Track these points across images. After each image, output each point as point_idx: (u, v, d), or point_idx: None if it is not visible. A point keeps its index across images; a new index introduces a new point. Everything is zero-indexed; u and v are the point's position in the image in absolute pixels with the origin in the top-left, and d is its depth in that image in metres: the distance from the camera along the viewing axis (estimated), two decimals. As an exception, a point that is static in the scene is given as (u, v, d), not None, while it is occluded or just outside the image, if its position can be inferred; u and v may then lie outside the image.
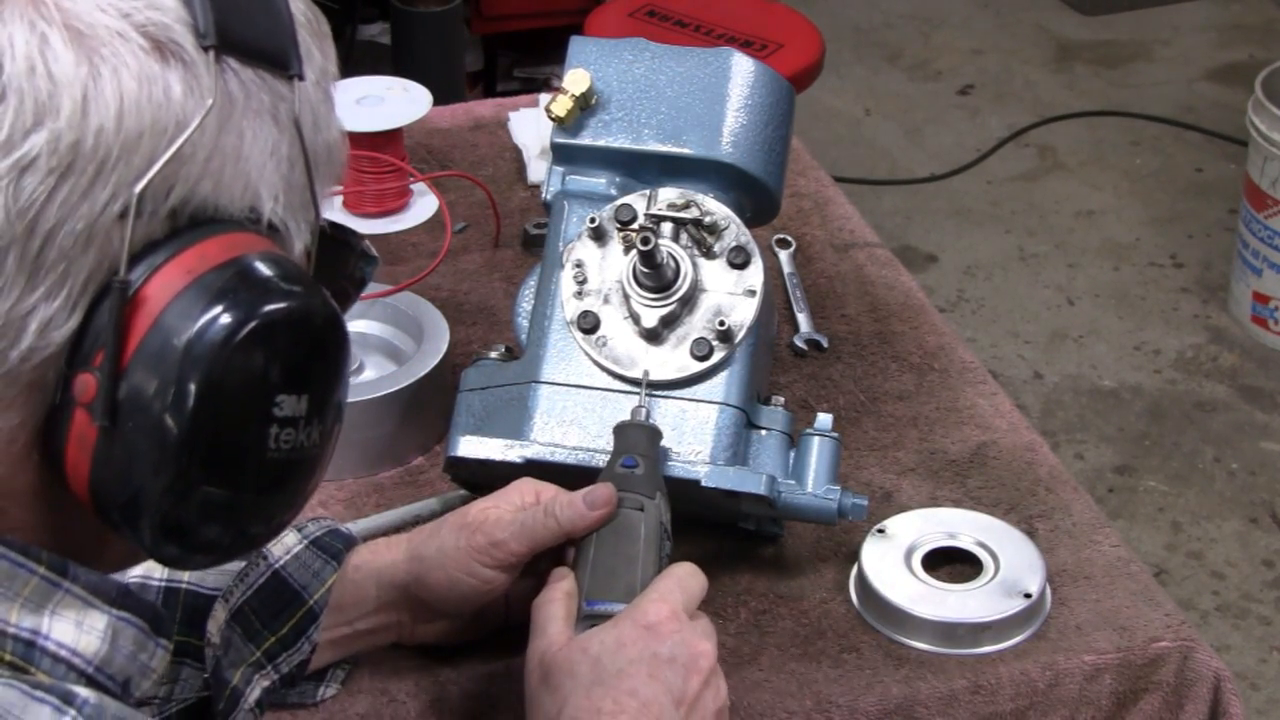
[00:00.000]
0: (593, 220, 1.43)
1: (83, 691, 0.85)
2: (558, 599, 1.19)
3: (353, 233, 1.04)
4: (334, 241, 1.00)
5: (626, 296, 1.41)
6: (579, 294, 1.43)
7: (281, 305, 0.87)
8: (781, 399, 1.44)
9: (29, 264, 0.84)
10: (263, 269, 0.88)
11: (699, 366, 1.40)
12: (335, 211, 1.87)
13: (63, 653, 0.89)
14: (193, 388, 0.85)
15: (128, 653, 0.92)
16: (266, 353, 0.87)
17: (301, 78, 0.91)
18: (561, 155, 1.51)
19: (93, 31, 0.84)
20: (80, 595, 0.90)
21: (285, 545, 1.31)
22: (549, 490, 1.30)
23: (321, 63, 0.94)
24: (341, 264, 1.03)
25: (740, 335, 1.41)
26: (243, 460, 0.88)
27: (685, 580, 1.20)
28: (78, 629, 0.89)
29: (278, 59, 0.90)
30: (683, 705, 1.13)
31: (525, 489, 1.31)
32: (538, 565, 1.31)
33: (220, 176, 0.87)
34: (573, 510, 1.24)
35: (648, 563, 1.22)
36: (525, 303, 1.51)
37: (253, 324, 0.86)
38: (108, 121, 0.84)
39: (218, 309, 0.85)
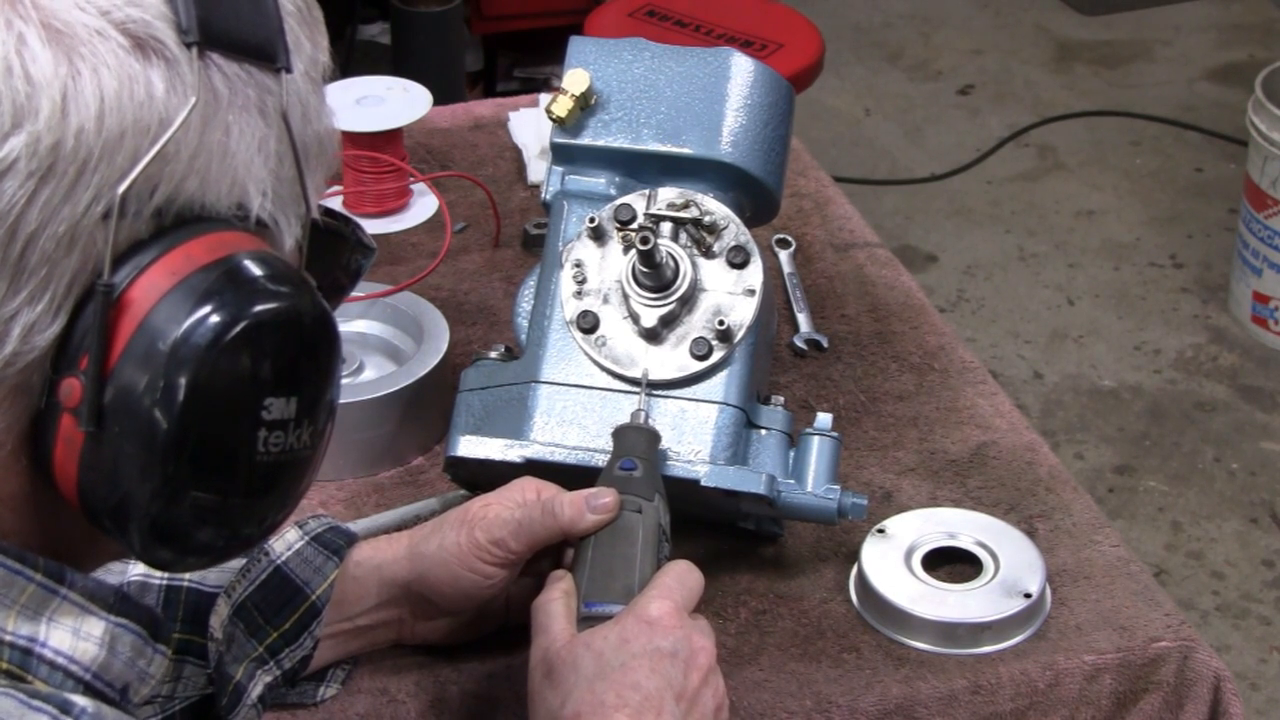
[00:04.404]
0: (592, 220, 1.43)
1: (80, 700, 0.85)
2: (557, 598, 1.20)
3: (347, 221, 1.03)
4: (326, 233, 0.98)
5: (626, 296, 1.41)
6: (578, 294, 1.43)
7: (269, 306, 0.86)
8: (781, 399, 1.44)
9: (11, 268, 0.83)
10: (250, 269, 0.86)
11: (698, 366, 1.40)
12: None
13: (60, 660, 0.88)
14: (179, 392, 0.84)
15: (126, 659, 0.91)
16: (254, 355, 0.86)
17: (289, 70, 0.89)
18: (561, 155, 1.51)
19: (71, 30, 0.83)
20: (77, 602, 0.89)
21: (287, 541, 1.31)
22: (549, 489, 1.30)
23: (311, 52, 0.93)
24: (335, 256, 1.01)
25: (740, 335, 1.41)
26: (231, 464, 0.87)
27: (685, 577, 1.20)
28: (75, 636, 0.89)
29: (264, 52, 0.88)
30: (683, 700, 1.13)
31: (527, 486, 1.31)
32: (538, 564, 1.32)
33: (206, 174, 0.86)
34: (574, 510, 1.25)
35: (645, 564, 1.22)
36: (525, 303, 1.51)
37: (239, 326, 0.85)
38: (88, 122, 0.82)
39: (204, 311, 0.84)
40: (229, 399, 0.86)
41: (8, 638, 0.86)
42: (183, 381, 0.84)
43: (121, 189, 0.83)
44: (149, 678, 0.93)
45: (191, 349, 0.84)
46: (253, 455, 0.87)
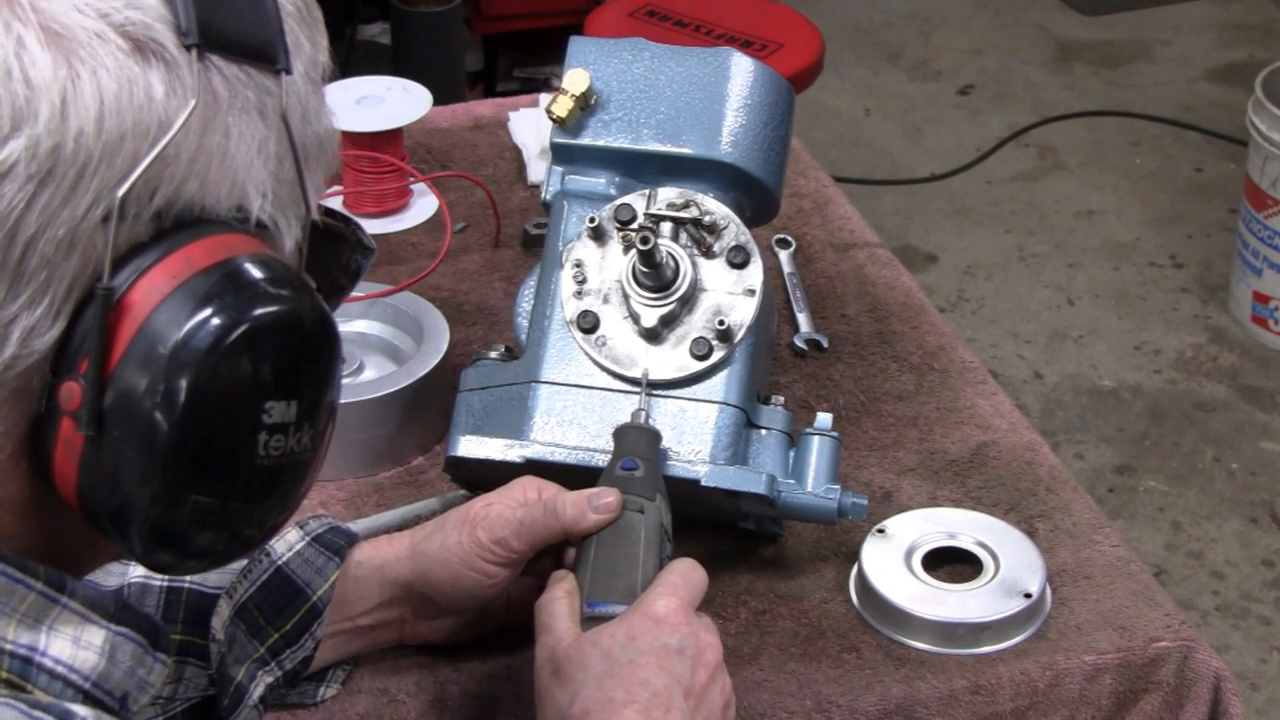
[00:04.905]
0: (592, 220, 1.43)
1: (81, 710, 0.85)
2: (560, 597, 1.19)
3: (347, 221, 1.02)
4: (326, 234, 0.98)
5: (626, 296, 1.41)
6: (579, 294, 1.43)
7: (269, 310, 0.86)
8: (781, 399, 1.44)
9: (10, 272, 0.82)
10: (250, 272, 0.86)
11: (698, 366, 1.40)
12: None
13: (60, 669, 0.88)
14: (179, 395, 0.83)
15: (126, 668, 0.91)
16: (254, 359, 0.85)
17: (289, 71, 0.89)
18: (561, 155, 1.51)
19: (70, 33, 0.82)
20: (78, 610, 0.89)
21: (288, 542, 1.31)
22: (551, 488, 1.30)
23: (311, 53, 0.92)
24: (335, 256, 1.01)
25: (740, 335, 1.41)
26: (232, 468, 0.87)
27: (689, 574, 1.20)
28: (75, 645, 0.88)
29: (263, 53, 0.88)
30: (691, 696, 1.14)
31: (528, 486, 1.31)
32: (540, 564, 1.32)
33: (206, 176, 0.86)
34: (576, 510, 1.25)
35: (648, 564, 1.22)
36: (525, 303, 1.51)
37: (240, 330, 0.84)
38: (88, 125, 0.82)
39: (204, 314, 0.84)
40: (229, 403, 0.85)
41: (8, 647, 0.86)
42: (183, 385, 0.83)
43: (121, 192, 0.83)
44: (148, 686, 0.93)
45: (192, 352, 0.84)
46: (253, 459, 0.87)
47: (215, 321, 0.84)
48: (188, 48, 0.85)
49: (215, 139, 0.86)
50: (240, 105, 0.87)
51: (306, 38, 0.92)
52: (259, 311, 0.85)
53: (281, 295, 0.87)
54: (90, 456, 0.85)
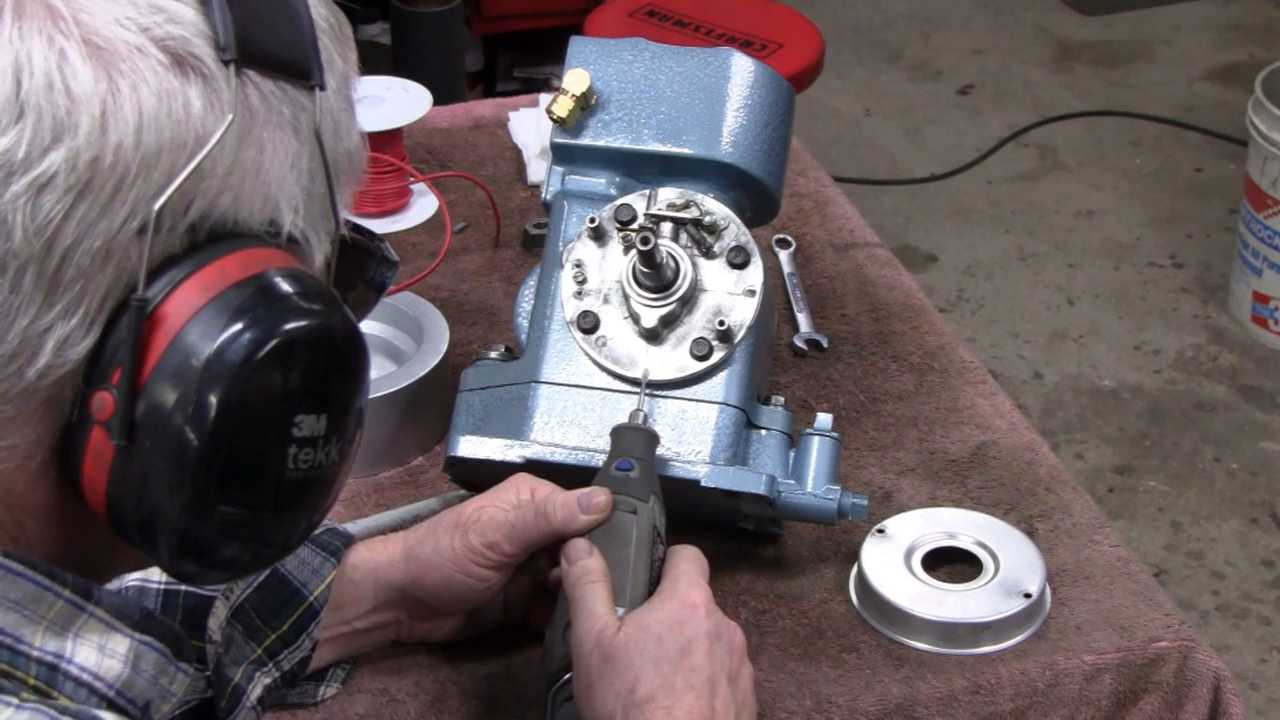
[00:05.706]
0: (592, 220, 1.43)
1: (106, 716, 0.85)
2: (598, 580, 1.19)
3: (373, 235, 1.03)
4: (354, 248, 0.99)
5: (626, 296, 1.41)
6: (579, 294, 1.43)
7: (301, 324, 0.86)
8: (781, 399, 1.44)
9: (46, 282, 0.83)
10: (283, 286, 0.87)
11: (699, 366, 1.40)
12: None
13: (85, 676, 0.88)
14: (211, 407, 0.84)
15: (149, 676, 0.92)
16: (285, 373, 0.86)
17: (323, 87, 0.90)
18: (561, 155, 1.51)
19: (111, 46, 0.83)
20: (104, 618, 0.89)
21: (285, 543, 1.31)
22: (544, 488, 1.30)
23: (343, 69, 0.94)
24: (361, 270, 1.02)
25: (740, 335, 1.41)
26: (261, 481, 0.87)
27: (699, 562, 1.22)
28: (100, 652, 0.89)
29: (299, 69, 0.89)
30: (732, 680, 1.16)
31: (521, 485, 1.31)
32: (535, 562, 1.32)
33: (240, 190, 0.86)
34: (566, 512, 1.25)
35: (639, 566, 1.22)
36: (525, 303, 1.51)
37: (272, 343, 0.85)
38: (126, 138, 0.82)
39: (237, 328, 0.85)
40: (260, 416, 0.86)
41: (35, 653, 0.86)
42: (214, 398, 0.84)
43: (157, 205, 0.83)
44: (171, 695, 0.94)
45: (224, 366, 0.84)
46: (282, 471, 0.88)
47: (248, 335, 0.85)
48: (226, 63, 0.85)
49: (250, 154, 0.87)
50: (275, 120, 0.88)
51: (339, 53, 0.94)
52: (291, 326, 0.86)
53: (313, 310, 0.87)
54: (120, 466, 0.85)
